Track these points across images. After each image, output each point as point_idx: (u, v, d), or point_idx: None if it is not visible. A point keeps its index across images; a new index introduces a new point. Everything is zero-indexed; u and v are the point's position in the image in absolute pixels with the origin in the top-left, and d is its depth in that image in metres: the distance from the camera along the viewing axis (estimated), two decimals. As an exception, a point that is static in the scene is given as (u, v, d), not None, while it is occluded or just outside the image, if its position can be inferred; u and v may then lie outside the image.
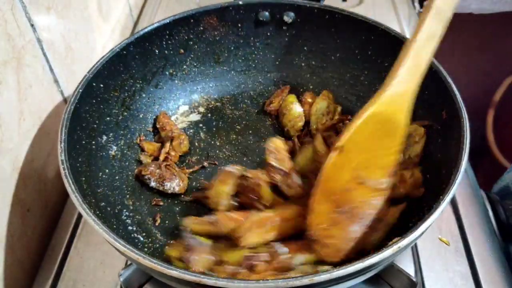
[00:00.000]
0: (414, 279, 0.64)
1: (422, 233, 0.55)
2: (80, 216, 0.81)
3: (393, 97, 0.64)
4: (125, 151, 0.83)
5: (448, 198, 0.58)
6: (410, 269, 0.70)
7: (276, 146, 0.76)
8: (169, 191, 0.78)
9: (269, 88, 1.00)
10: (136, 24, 1.26)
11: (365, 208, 0.65)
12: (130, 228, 0.73)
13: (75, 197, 0.59)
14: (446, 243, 0.76)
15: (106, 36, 1.06)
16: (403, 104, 0.65)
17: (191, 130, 0.92)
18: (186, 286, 0.54)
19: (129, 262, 0.71)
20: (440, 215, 0.57)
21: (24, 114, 0.74)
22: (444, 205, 0.58)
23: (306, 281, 0.50)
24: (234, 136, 0.91)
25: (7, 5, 0.68)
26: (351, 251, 0.65)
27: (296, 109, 0.91)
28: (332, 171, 0.64)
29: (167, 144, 0.84)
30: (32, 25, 0.75)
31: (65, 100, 0.87)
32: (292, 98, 0.93)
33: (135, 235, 0.73)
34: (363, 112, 0.64)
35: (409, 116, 0.66)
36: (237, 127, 0.93)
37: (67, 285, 0.72)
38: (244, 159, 0.87)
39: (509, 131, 1.75)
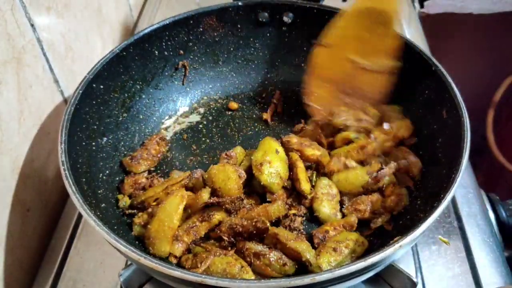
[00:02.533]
0: (414, 279, 0.64)
1: (423, 232, 0.55)
2: (80, 216, 0.81)
3: None
4: (125, 152, 0.83)
5: (449, 197, 0.58)
6: (410, 269, 0.70)
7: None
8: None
9: (269, 89, 1.00)
10: (136, 24, 1.26)
11: (371, 88, 0.72)
12: (131, 229, 0.73)
13: (76, 198, 0.59)
14: (446, 243, 0.76)
15: (106, 36, 1.06)
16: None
17: (191, 131, 0.92)
18: (187, 286, 0.54)
19: (129, 262, 0.71)
20: (440, 215, 0.57)
21: (24, 114, 0.74)
22: (445, 204, 0.58)
23: (307, 280, 0.50)
24: (234, 136, 0.91)
25: (7, 5, 0.68)
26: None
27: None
28: (326, 61, 0.71)
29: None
30: (32, 25, 0.75)
31: (65, 100, 0.87)
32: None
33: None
34: (347, 9, 0.69)
35: (397, 3, 0.71)
36: (237, 127, 0.93)
37: (67, 285, 0.72)
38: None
39: (509, 131, 1.75)
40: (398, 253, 0.55)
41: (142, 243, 0.70)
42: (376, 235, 0.72)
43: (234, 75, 0.99)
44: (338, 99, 0.72)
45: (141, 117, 0.88)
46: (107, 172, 0.77)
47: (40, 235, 0.80)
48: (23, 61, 0.73)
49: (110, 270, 0.73)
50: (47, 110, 0.82)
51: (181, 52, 0.92)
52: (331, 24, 0.69)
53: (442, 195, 0.59)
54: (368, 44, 0.71)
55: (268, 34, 0.97)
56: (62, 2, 0.85)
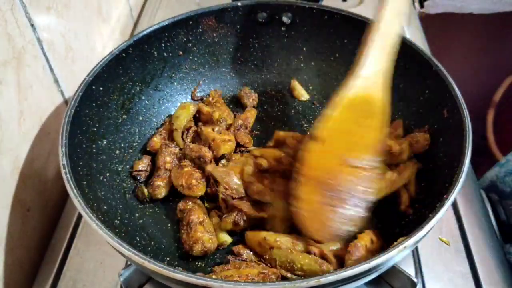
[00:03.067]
0: (415, 279, 0.64)
1: (427, 232, 0.55)
2: (80, 216, 0.81)
3: (367, 79, 0.64)
4: (125, 154, 0.83)
5: (452, 197, 0.58)
6: (410, 269, 0.70)
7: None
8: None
9: (268, 89, 1.00)
10: (136, 24, 1.26)
11: (358, 188, 0.65)
12: (133, 230, 0.73)
13: (77, 201, 0.59)
14: (446, 243, 0.76)
15: (106, 36, 1.06)
16: (378, 83, 0.65)
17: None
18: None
19: (129, 262, 0.71)
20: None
21: (24, 114, 0.74)
22: (449, 204, 0.58)
23: (312, 283, 0.50)
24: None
25: (7, 5, 0.68)
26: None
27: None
28: (316, 160, 0.64)
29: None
30: (32, 25, 0.75)
31: (65, 101, 0.87)
32: None
33: (138, 238, 0.73)
34: (339, 99, 0.64)
35: (387, 93, 0.66)
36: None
37: (67, 285, 0.72)
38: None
39: (509, 131, 1.75)
40: (402, 254, 0.55)
41: (143, 238, 0.70)
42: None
43: (234, 75, 0.99)
44: (328, 206, 0.65)
45: (141, 118, 0.88)
46: (108, 174, 0.77)
47: (40, 235, 0.80)
48: (23, 61, 0.73)
49: (110, 270, 0.73)
50: (47, 110, 0.82)
51: (181, 53, 0.92)
52: (322, 117, 0.64)
53: (445, 195, 0.59)
54: (356, 139, 0.66)
55: (267, 35, 0.97)
56: (62, 2, 0.85)
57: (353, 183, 0.64)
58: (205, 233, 0.69)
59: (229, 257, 0.69)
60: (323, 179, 0.64)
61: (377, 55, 0.65)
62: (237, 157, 0.81)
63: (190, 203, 0.74)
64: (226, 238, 0.72)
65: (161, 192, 0.78)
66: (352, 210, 0.64)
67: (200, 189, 0.74)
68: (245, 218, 0.71)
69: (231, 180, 0.74)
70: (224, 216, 0.72)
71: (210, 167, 0.75)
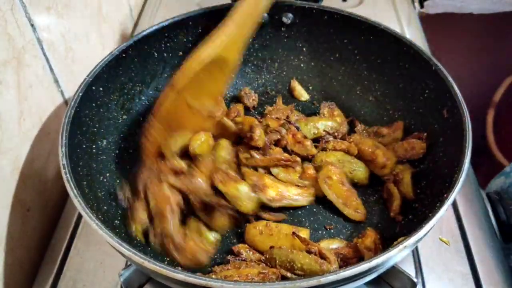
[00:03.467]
0: (415, 279, 0.64)
1: (427, 232, 0.56)
2: (80, 216, 0.81)
3: (230, 41, 0.74)
4: (125, 155, 0.83)
5: (452, 196, 0.58)
6: (410, 269, 0.70)
7: None
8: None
9: (268, 89, 1.00)
10: (136, 24, 1.26)
11: (191, 126, 0.79)
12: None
13: (77, 202, 0.59)
14: (446, 243, 0.76)
15: (106, 36, 1.06)
16: (238, 46, 0.77)
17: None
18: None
19: (129, 262, 0.71)
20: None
21: (24, 114, 0.74)
22: (449, 204, 0.58)
23: (312, 282, 0.50)
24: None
25: (7, 5, 0.68)
26: None
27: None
28: (171, 106, 0.75)
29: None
30: (32, 25, 0.75)
31: (65, 101, 0.87)
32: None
33: (138, 238, 0.72)
34: (201, 55, 0.73)
35: (239, 56, 0.78)
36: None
37: (67, 285, 0.72)
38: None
39: (509, 131, 1.75)
40: (402, 253, 0.55)
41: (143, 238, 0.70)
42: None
43: (233, 76, 0.99)
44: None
45: (141, 119, 0.88)
46: (108, 174, 0.77)
47: (40, 235, 0.80)
48: (23, 61, 0.73)
49: (110, 270, 0.73)
50: (47, 110, 0.82)
51: (181, 53, 0.92)
52: (183, 67, 0.74)
53: (445, 195, 0.59)
54: (204, 89, 0.77)
55: (267, 35, 0.97)
56: (62, 2, 0.85)
57: (193, 123, 0.78)
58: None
59: (229, 257, 0.69)
60: (172, 121, 0.76)
61: (243, 21, 0.75)
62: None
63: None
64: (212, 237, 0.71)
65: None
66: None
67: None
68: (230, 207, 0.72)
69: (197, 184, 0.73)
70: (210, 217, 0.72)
71: (171, 180, 0.74)
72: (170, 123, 0.76)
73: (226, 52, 0.74)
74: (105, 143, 0.79)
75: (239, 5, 0.76)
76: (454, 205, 0.82)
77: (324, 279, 0.50)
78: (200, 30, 0.92)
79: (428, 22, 1.38)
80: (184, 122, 0.77)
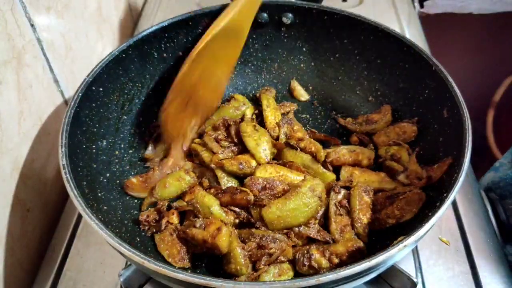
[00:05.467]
0: (415, 279, 0.64)
1: (427, 231, 0.56)
2: (80, 216, 0.81)
3: (244, 8, 0.79)
4: (125, 155, 0.83)
5: (452, 196, 0.58)
6: (410, 269, 0.70)
7: None
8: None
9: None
10: (136, 24, 1.26)
11: (207, 105, 0.84)
12: (133, 230, 0.73)
13: (77, 202, 0.59)
14: (446, 243, 0.76)
15: (106, 36, 1.06)
16: (251, 14, 0.82)
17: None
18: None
19: (129, 262, 0.71)
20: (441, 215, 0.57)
21: (24, 114, 0.74)
22: (448, 203, 0.58)
23: (313, 281, 0.50)
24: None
25: (7, 5, 0.68)
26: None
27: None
28: (186, 75, 0.78)
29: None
30: (32, 25, 0.75)
31: (65, 101, 0.87)
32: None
33: (138, 238, 0.73)
34: (220, 22, 0.78)
35: (250, 25, 0.83)
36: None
37: (67, 285, 0.72)
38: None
39: (509, 131, 1.75)
40: (402, 253, 0.55)
41: (144, 238, 0.70)
42: (376, 237, 0.72)
43: (233, 76, 0.99)
44: (187, 118, 0.82)
45: (141, 119, 0.88)
46: (108, 174, 0.77)
47: (40, 235, 0.80)
48: (23, 61, 0.73)
49: (110, 270, 0.73)
50: (47, 110, 0.82)
51: (180, 53, 0.92)
52: (200, 40, 0.78)
53: (445, 195, 0.59)
54: (219, 58, 0.81)
55: (267, 35, 0.97)
56: (62, 2, 0.85)
57: (207, 99, 0.83)
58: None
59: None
60: (186, 93, 0.80)
61: None
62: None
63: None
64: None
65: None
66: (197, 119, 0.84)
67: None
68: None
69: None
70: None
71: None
72: (185, 96, 0.79)
73: (239, 19, 0.79)
74: (105, 143, 0.79)
75: None
76: (454, 205, 0.82)
77: (324, 278, 0.50)
78: (200, 30, 0.92)
79: (428, 22, 1.38)
80: (197, 96, 0.80)
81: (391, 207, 0.70)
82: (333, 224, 0.70)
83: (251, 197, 0.70)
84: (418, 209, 0.69)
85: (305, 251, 0.65)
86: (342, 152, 0.81)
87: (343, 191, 0.74)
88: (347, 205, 0.72)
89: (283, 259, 0.66)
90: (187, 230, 0.68)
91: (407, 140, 0.82)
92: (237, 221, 0.72)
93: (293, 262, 0.67)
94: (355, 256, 0.64)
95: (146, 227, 0.73)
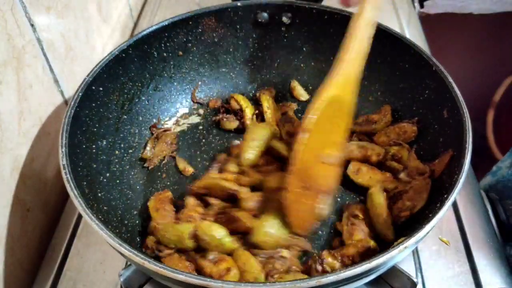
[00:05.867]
0: (415, 279, 0.64)
1: (428, 232, 0.55)
2: (80, 216, 0.81)
3: (344, 80, 0.70)
4: (125, 155, 0.83)
5: (452, 197, 0.58)
6: (410, 269, 0.70)
7: None
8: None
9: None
10: (136, 24, 1.26)
11: (326, 182, 0.71)
12: (133, 230, 0.73)
13: (77, 202, 0.59)
14: (446, 243, 0.76)
15: (106, 36, 1.06)
16: (352, 85, 0.72)
17: (191, 132, 0.92)
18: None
19: (129, 263, 0.71)
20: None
21: (24, 114, 0.74)
22: (449, 204, 0.58)
23: (313, 283, 0.50)
24: (234, 137, 0.91)
25: (7, 5, 0.68)
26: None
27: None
28: (301, 154, 0.68)
29: None
30: (32, 25, 0.75)
31: (65, 101, 0.87)
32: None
33: (138, 239, 0.73)
34: (323, 96, 0.69)
35: (355, 96, 0.72)
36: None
37: (67, 285, 0.72)
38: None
39: (509, 131, 1.75)
40: (403, 254, 0.55)
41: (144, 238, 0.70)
42: (376, 238, 0.72)
43: (233, 76, 0.99)
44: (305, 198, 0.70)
45: (140, 119, 0.88)
46: (108, 174, 0.77)
47: (40, 235, 0.80)
48: (23, 61, 0.73)
49: (110, 270, 0.73)
50: (47, 110, 0.82)
51: (181, 53, 0.92)
52: (308, 109, 0.68)
53: (445, 195, 0.59)
54: (328, 136, 0.71)
55: (267, 35, 0.97)
56: (62, 2, 0.85)
57: (325, 178, 0.71)
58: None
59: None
60: (303, 174, 0.69)
61: (354, 59, 0.71)
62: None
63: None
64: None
65: None
66: (322, 204, 0.71)
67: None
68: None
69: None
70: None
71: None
72: (304, 176, 0.69)
73: (342, 91, 0.70)
74: (105, 143, 0.79)
75: (348, 42, 0.71)
76: (454, 205, 0.82)
77: (324, 279, 0.50)
78: (200, 30, 0.92)
79: (428, 22, 1.38)
80: (314, 175, 0.70)
81: (401, 201, 0.70)
82: (345, 232, 0.71)
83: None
84: (428, 194, 0.69)
85: (317, 257, 0.66)
86: (351, 148, 0.81)
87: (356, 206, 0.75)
88: (357, 213, 0.73)
89: (296, 268, 0.66)
90: (198, 259, 0.66)
91: (407, 140, 0.82)
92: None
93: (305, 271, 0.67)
94: (367, 255, 0.65)
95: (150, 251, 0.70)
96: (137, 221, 0.76)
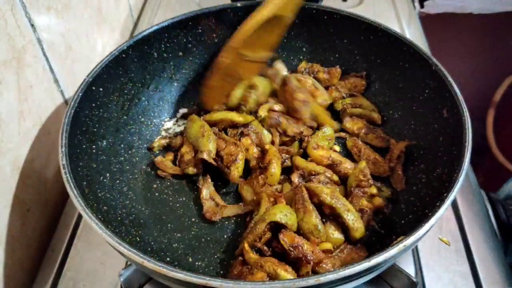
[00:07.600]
0: (415, 279, 0.64)
1: (427, 231, 0.56)
2: (80, 216, 0.81)
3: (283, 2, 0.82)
4: (125, 155, 0.83)
5: (452, 196, 0.58)
6: (410, 269, 0.70)
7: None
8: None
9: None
10: (136, 24, 1.26)
11: (246, 75, 0.89)
12: (132, 229, 0.73)
13: (77, 202, 0.59)
14: (446, 243, 0.76)
15: (106, 36, 1.06)
16: (293, 4, 0.84)
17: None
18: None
19: (129, 262, 0.71)
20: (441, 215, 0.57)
21: (24, 114, 0.74)
22: (448, 203, 0.58)
23: (312, 281, 0.50)
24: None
25: (7, 5, 0.68)
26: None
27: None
28: (229, 63, 0.84)
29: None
30: (32, 25, 0.75)
31: (65, 101, 0.87)
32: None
33: (138, 238, 0.72)
34: (257, 16, 0.82)
35: (293, 14, 0.86)
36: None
37: (67, 285, 0.72)
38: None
39: (509, 131, 1.75)
40: (402, 253, 0.55)
41: (144, 238, 0.70)
42: (376, 237, 0.72)
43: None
44: (226, 87, 0.89)
45: (140, 119, 0.88)
46: (108, 174, 0.77)
47: (40, 235, 0.80)
48: (23, 61, 0.73)
49: (110, 270, 0.73)
50: (47, 110, 0.82)
51: (181, 53, 0.92)
52: (241, 27, 0.84)
53: (445, 195, 0.59)
54: (260, 41, 0.86)
55: (267, 34, 0.97)
56: (62, 2, 0.85)
57: (241, 68, 0.88)
58: None
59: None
60: (229, 70, 0.86)
61: None
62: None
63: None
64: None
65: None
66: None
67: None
68: None
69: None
70: None
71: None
72: (227, 74, 0.87)
73: (282, 11, 0.83)
74: (105, 143, 0.79)
75: None
76: (454, 205, 0.82)
77: (323, 278, 0.50)
78: (200, 30, 0.92)
79: (428, 22, 1.38)
80: (239, 72, 0.88)
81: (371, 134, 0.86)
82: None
83: None
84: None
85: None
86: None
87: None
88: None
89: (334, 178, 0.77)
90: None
91: (358, 93, 0.91)
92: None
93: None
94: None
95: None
96: (137, 221, 0.75)
